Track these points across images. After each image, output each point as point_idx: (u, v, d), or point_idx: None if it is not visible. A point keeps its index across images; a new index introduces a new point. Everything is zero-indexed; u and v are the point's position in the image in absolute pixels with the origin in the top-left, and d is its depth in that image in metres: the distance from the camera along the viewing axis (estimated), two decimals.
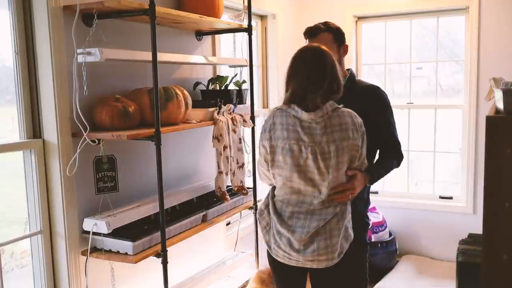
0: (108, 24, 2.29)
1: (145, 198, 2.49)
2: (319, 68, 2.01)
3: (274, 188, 2.18)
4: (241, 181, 2.86)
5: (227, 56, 3.44)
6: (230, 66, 3.20)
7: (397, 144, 2.33)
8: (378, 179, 2.25)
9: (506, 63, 3.80)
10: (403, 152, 2.35)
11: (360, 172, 2.12)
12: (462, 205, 4.15)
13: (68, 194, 2.15)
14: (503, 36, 3.83)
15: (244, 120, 2.86)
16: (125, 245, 2.16)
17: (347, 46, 2.38)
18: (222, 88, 2.98)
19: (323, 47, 2.07)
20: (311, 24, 2.38)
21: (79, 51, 2.08)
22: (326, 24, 2.37)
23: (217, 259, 3.05)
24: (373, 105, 2.28)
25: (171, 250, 2.28)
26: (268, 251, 2.18)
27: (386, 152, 2.32)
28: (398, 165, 2.34)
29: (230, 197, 2.78)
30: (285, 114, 2.04)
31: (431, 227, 4.28)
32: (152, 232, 2.25)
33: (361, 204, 2.34)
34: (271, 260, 2.20)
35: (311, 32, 2.36)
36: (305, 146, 1.99)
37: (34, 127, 2.14)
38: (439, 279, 3.91)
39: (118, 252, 2.18)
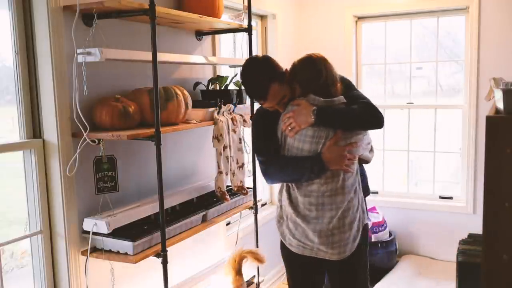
0: (108, 24, 2.29)
1: (145, 198, 2.49)
2: (329, 68, 2.15)
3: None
4: (241, 181, 2.86)
5: (227, 56, 3.44)
6: (230, 66, 3.19)
7: (364, 99, 2.18)
8: (327, 115, 2.07)
9: (506, 63, 3.80)
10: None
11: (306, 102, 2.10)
12: (462, 205, 4.15)
13: (68, 194, 2.15)
14: (503, 36, 3.83)
15: (244, 120, 2.86)
16: (125, 245, 2.16)
17: (286, 70, 2.20)
18: (222, 88, 2.98)
19: (319, 55, 2.16)
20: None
21: (79, 51, 2.08)
22: (257, 69, 2.17)
23: (217, 259, 3.05)
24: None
25: (171, 250, 2.28)
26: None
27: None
28: (366, 113, 2.12)
29: (230, 197, 2.78)
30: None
31: (431, 227, 4.28)
32: (152, 232, 2.25)
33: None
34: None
35: (260, 97, 2.15)
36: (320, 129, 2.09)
37: (34, 127, 2.14)
38: (439, 279, 3.91)
39: (118, 252, 2.18)
